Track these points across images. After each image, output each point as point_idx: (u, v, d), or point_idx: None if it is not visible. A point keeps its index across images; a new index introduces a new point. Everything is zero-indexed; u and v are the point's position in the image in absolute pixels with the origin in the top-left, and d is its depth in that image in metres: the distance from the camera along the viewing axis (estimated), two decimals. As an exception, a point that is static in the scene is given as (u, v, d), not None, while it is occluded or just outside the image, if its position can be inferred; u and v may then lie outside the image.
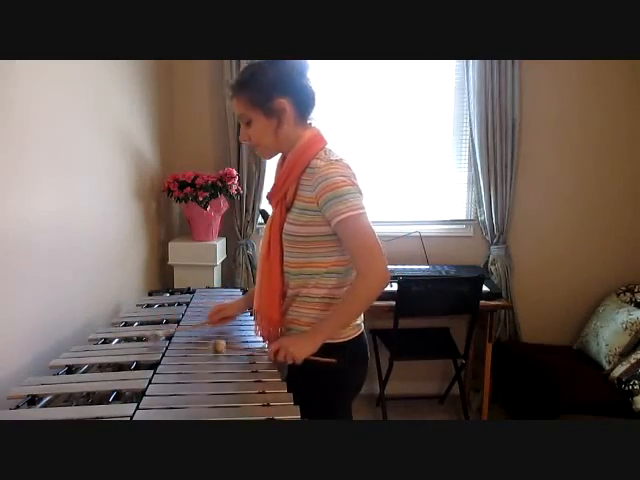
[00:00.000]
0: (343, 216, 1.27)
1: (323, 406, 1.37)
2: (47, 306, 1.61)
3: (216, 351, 1.42)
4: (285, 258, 1.40)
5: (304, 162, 1.34)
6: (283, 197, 1.38)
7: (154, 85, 2.62)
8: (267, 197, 1.45)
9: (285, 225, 1.37)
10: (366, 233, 1.28)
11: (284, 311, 1.44)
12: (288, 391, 1.21)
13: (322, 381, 1.37)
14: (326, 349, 1.32)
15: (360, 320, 1.48)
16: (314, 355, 1.30)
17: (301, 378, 1.37)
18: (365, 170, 2.94)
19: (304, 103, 1.37)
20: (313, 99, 1.39)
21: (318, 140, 1.38)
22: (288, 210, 1.37)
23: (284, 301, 1.43)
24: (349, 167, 1.35)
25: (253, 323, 1.70)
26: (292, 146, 1.37)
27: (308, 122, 1.41)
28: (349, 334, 1.42)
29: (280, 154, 1.45)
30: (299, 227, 1.34)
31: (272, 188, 1.42)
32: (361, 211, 1.28)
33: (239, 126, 1.44)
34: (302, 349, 1.30)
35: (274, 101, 1.32)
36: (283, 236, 1.38)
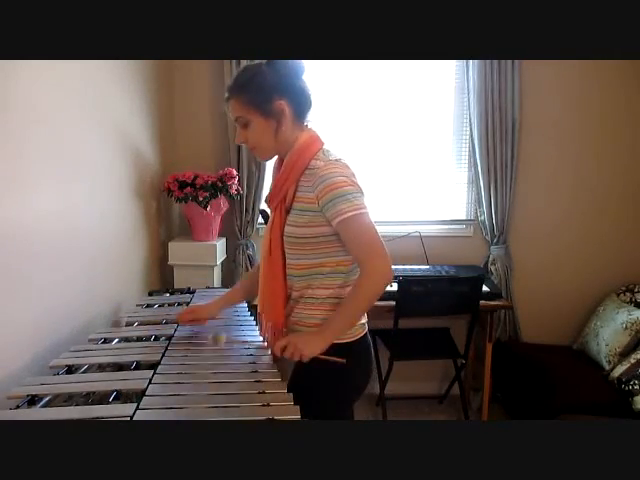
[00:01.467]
0: (344, 216, 1.27)
1: (327, 406, 1.37)
2: (47, 306, 1.61)
3: (216, 344, 1.43)
4: (287, 260, 1.39)
5: (303, 164, 1.34)
6: (283, 199, 1.37)
7: (154, 85, 2.62)
8: (266, 200, 1.45)
9: (285, 227, 1.36)
10: (368, 232, 1.28)
11: (288, 313, 1.43)
12: (291, 390, 1.21)
13: (328, 381, 1.37)
14: (333, 349, 1.31)
15: (365, 319, 1.47)
16: (322, 354, 1.29)
17: (306, 377, 1.37)
18: (365, 170, 2.94)
19: (301, 104, 1.38)
20: (310, 100, 1.39)
21: (315, 141, 1.38)
22: (288, 212, 1.37)
23: (288, 303, 1.43)
24: (348, 167, 1.35)
25: (253, 322, 1.71)
26: (290, 148, 1.36)
27: (305, 124, 1.41)
28: (356, 334, 1.41)
29: (276, 157, 1.44)
30: (299, 228, 1.34)
31: (271, 191, 1.41)
32: (362, 210, 1.28)
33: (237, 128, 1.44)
34: (311, 346, 1.27)
35: (273, 103, 1.33)
36: (284, 238, 1.37)
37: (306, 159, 1.34)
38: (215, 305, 1.62)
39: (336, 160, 1.33)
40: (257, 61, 1.37)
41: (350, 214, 1.26)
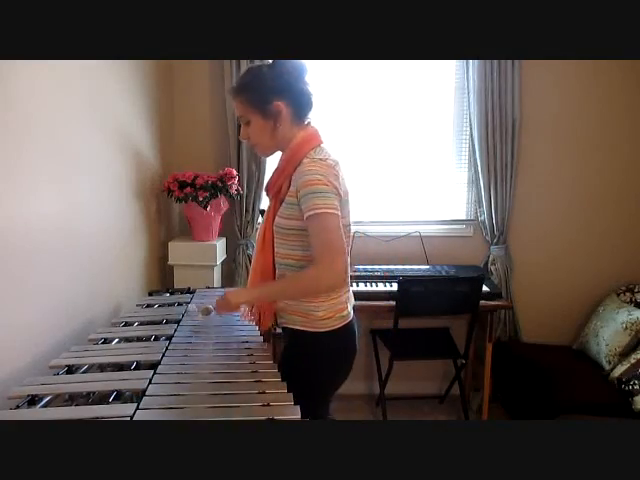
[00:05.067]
0: (311, 212, 1.32)
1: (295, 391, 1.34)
2: (47, 306, 1.61)
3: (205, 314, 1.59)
4: (275, 249, 1.48)
5: (296, 160, 1.41)
6: (278, 191, 1.46)
7: (154, 85, 2.62)
8: (265, 189, 1.55)
9: (275, 217, 1.45)
10: (329, 232, 1.32)
11: None
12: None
13: (296, 373, 1.36)
14: (304, 337, 1.42)
15: (346, 312, 1.48)
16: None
17: (285, 366, 1.41)
18: (365, 170, 2.94)
19: (300, 105, 1.44)
20: (310, 101, 1.46)
21: (311, 139, 1.44)
22: (280, 204, 1.45)
23: None
24: (332, 167, 1.38)
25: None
26: (288, 145, 1.44)
27: (306, 122, 1.48)
28: (327, 325, 1.43)
29: (280, 152, 1.51)
30: (284, 220, 1.43)
31: (268, 182, 1.51)
32: (329, 210, 1.32)
33: (239, 126, 1.52)
34: (236, 295, 1.42)
35: (271, 104, 1.40)
36: (274, 228, 1.46)
37: (299, 156, 1.41)
38: None
39: (321, 159, 1.38)
40: (259, 62, 1.43)
41: (317, 211, 1.32)
